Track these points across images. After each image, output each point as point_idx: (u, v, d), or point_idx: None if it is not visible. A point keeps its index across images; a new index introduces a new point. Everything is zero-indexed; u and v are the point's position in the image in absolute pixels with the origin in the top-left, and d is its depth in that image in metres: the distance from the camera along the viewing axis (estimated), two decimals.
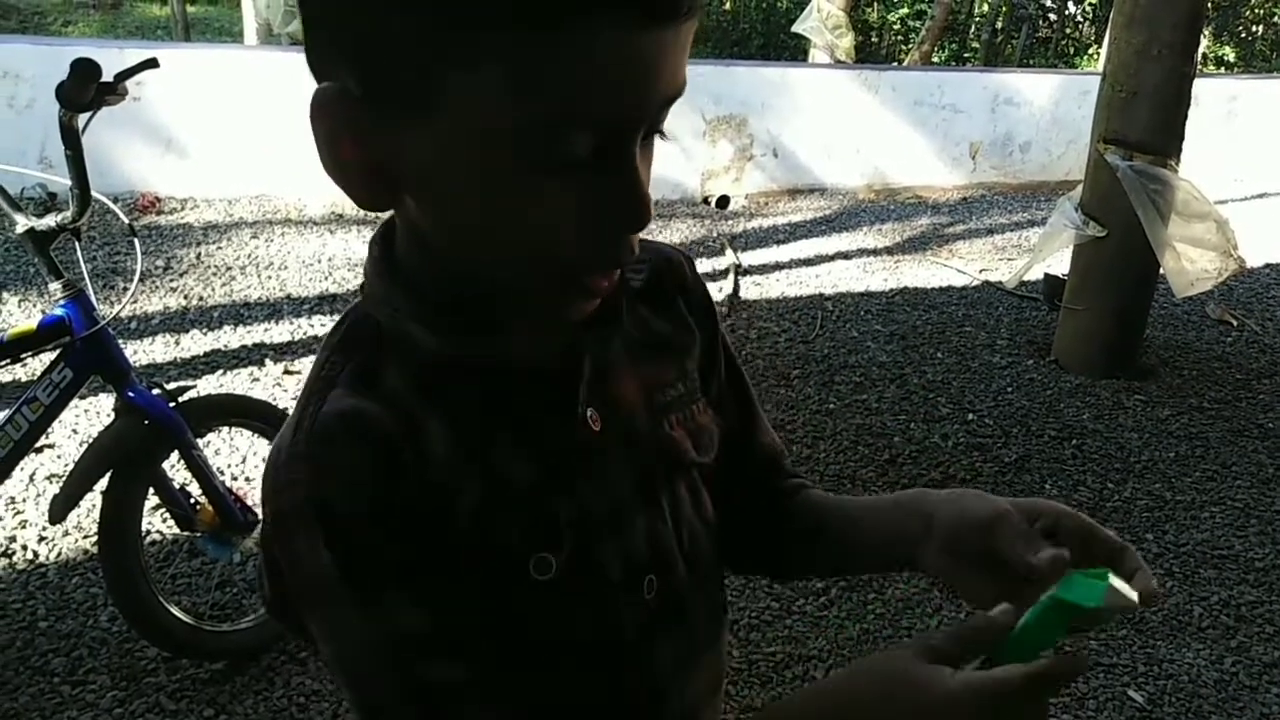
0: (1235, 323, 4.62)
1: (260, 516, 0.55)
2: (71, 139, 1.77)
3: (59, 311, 1.88)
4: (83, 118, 1.78)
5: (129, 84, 1.83)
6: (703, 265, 4.92)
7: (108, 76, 1.76)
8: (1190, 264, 3.74)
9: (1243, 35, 14.15)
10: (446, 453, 0.56)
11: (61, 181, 1.83)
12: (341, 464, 0.53)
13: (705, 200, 6.21)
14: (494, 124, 0.48)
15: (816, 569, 0.84)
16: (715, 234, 5.51)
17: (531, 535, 0.59)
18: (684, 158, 6.11)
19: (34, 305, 3.73)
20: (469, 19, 0.45)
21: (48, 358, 1.94)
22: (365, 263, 0.62)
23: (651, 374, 0.68)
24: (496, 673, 0.56)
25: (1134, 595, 0.51)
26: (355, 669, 0.56)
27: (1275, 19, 14.34)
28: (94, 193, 1.84)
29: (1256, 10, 14.09)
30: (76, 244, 1.91)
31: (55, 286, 1.89)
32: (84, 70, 1.66)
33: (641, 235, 0.72)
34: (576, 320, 0.58)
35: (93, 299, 1.93)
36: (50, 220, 1.85)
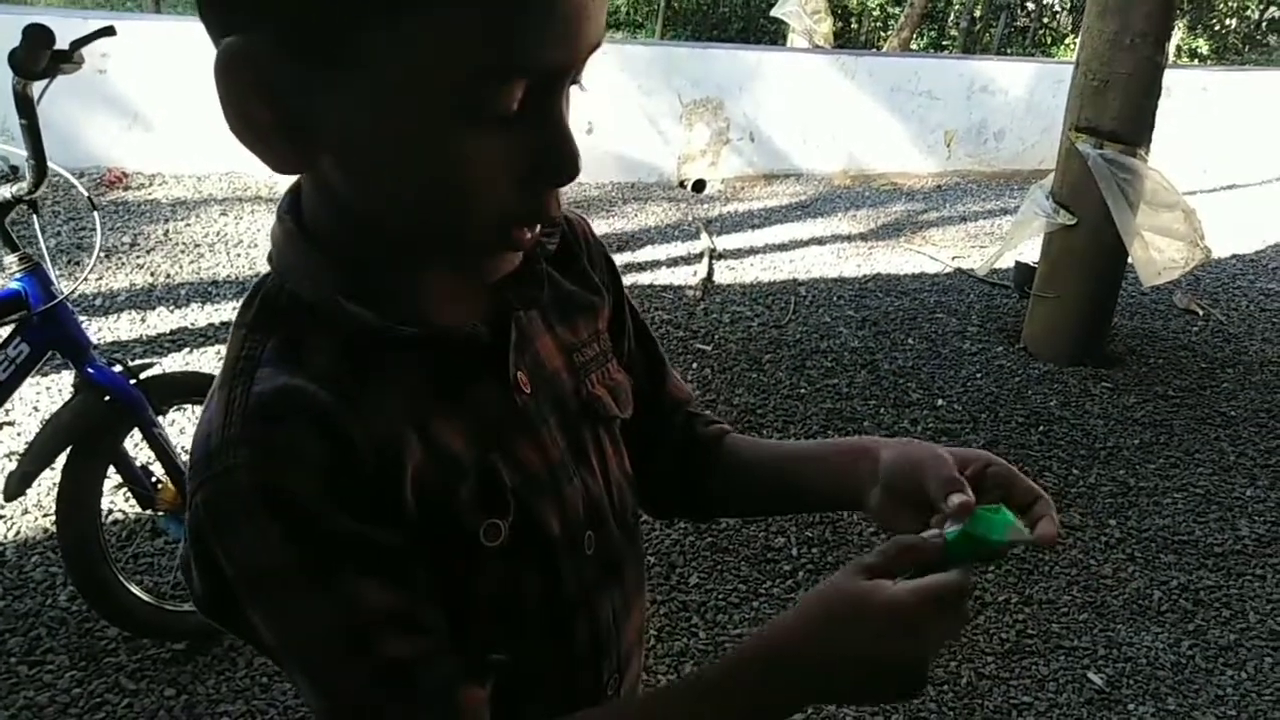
0: (1201, 312, 4.69)
1: None
2: (26, 108, 1.72)
3: (15, 285, 1.85)
4: (38, 86, 1.73)
5: (88, 53, 1.79)
6: (677, 249, 4.91)
7: (66, 44, 1.72)
8: (1158, 253, 3.78)
9: (1216, 28, 14.29)
10: (387, 426, 0.55)
11: (20, 153, 1.79)
12: (287, 444, 0.50)
13: (681, 184, 6.19)
14: (422, 79, 0.46)
15: (746, 507, 0.87)
16: (690, 217, 5.50)
17: (479, 503, 0.58)
18: (660, 140, 6.09)
19: None
20: None
21: (3, 332, 1.91)
22: (274, 234, 0.59)
23: (568, 335, 0.69)
24: (453, 640, 0.56)
25: (1028, 533, 0.60)
26: (315, 657, 0.54)
27: (1248, 12, 14.49)
28: (54, 165, 1.80)
29: (1229, 3, 14.23)
30: (34, 216, 1.87)
31: (11, 260, 1.85)
32: (36, 36, 1.62)
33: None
34: (496, 280, 0.58)
35: (51, 273, 1.89)
36: (5, 191, 1.81)
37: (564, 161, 0.51)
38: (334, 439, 0.51)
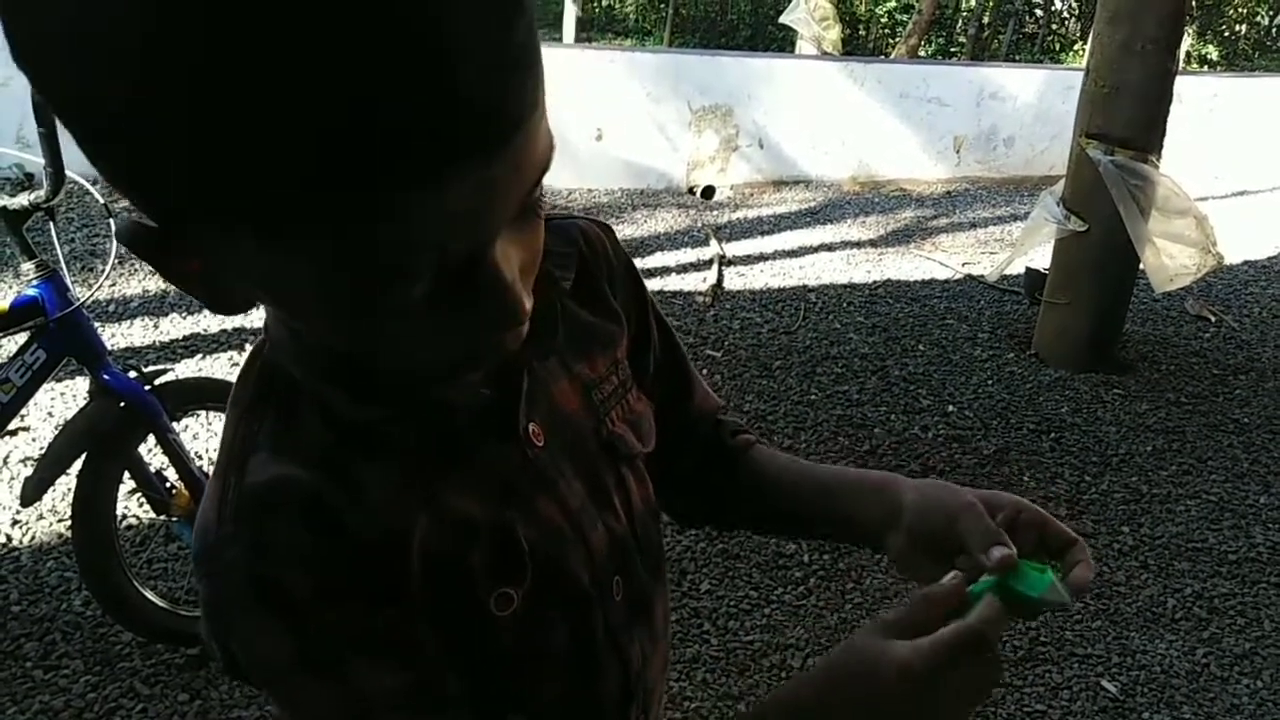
0: (1213, 318, 4.67)
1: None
2: (45, 116, 1.74)
3: (32, 292, 1.86)
4: None
5: None
6: (687, 255, 4.92)
7: None
8: (1170, 260, 3.77)
9: (1226, 34, 14.26)
10: (388, 502, 0.53)
11: (37, 161, 1.80)
12: (278, 541, 0.50)
13: (690, 190, 6.20)
14: (318, 278, 0.41)
15: (762, 526, 0.85)
16: (700, 224, 5.51)
17: (492, 569, 0.57)
18: (669, 147, 6.10)
19: (7, 286, 3.68)
20: (258, 187, 0.36)
21: (21, 339, 1.92)
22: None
23: (587, 372, 0.66)
24: (473, 702, 0.56)
25: (1068, 597, 0.57)
26: None
27: (1258, 18, 14.45)
28: (70, 172, 1.82)
29: (1240, 9, 14.20)
30: (51, 224, 1.88)
31: (28, 267, 1.86)
32: None
33: (557, 213, 0.68)
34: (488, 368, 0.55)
35: (67, 280, 1.90)
36: (23, 199, 1.83)
37: (501, 317, 0.46)
38: (326, 528, 0.51)
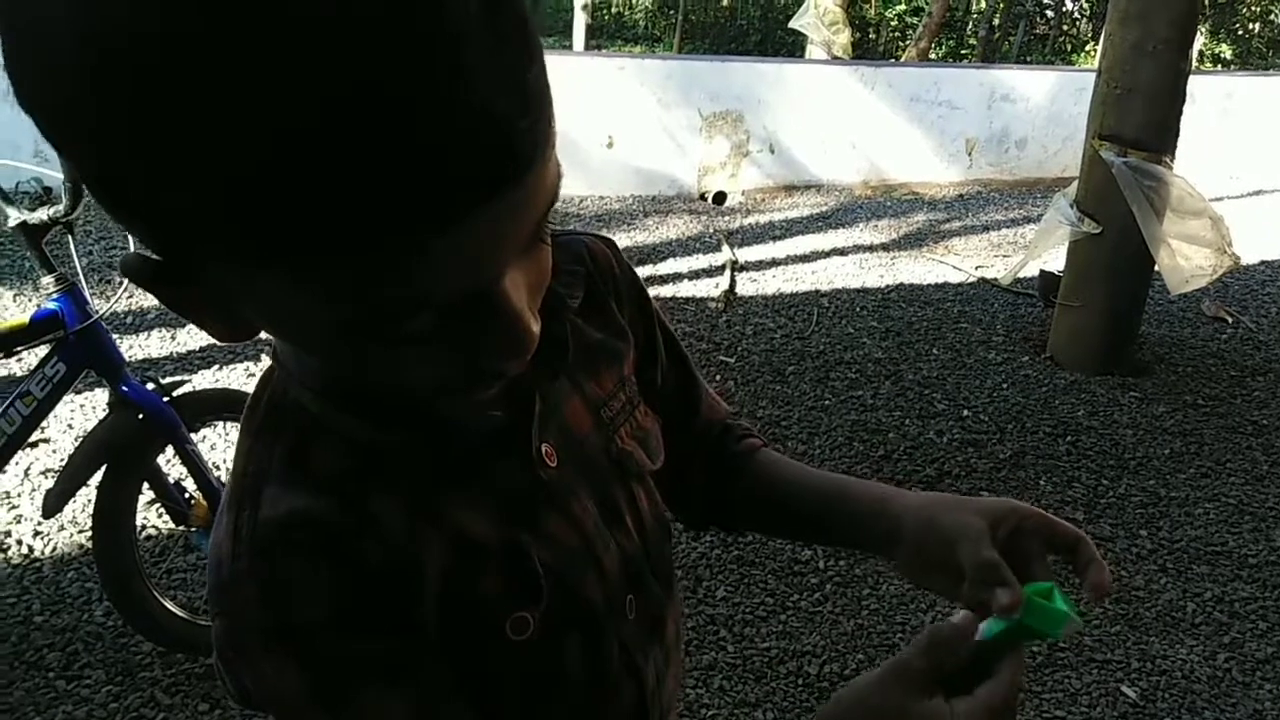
0: (1230, 320, 4.63)
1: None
2: None
3: (51, 305, 1.88)
4: None
5: None
6: (699, 261, 4.92)
7: None
8: (1185, 261, 3.75)
9: (1240, 33, 14.17)
10: (402, 529, 0.54)
11: (56, 176, 1.83)
12: (291, 579, 0.50)
13: (701, 196, 6.20)
14: (330, 312, 0.42)
15: (767, 530, 0.85)
16: (711, 230, 5.51)
17: (509, 594, 0.57)
18: (680, 153, 6.11)
19: (28, 299, 3.72)
20: (271, 243, 0.37)
21: (42, 352, 1.94)
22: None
23: (596, 390, 0.66)
24: None
25: (1080, 621, 0.57)
26: None
27: (1272, 17, 14.36)
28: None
29: (1253, 8, 14.11)
30: (70, 238, 1.90)
31: (48, 280, 1.88)
32: None
33: (561, 229, 0.68)
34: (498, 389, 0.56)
35: (86, 293, 1.92)
36: (43, 213, 1.85)
37: (509, 348, 0.46)
38: (339, 560, 0.51)
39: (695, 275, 4.73)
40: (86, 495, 2.10)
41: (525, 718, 0.60)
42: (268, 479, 0.52)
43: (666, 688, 0.71)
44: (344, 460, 0.53)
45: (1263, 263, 5.56)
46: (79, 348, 1.91)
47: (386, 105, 0.35)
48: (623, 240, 5.05)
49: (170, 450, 2.05)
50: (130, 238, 2.04)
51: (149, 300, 3.85)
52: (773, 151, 6.41)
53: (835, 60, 7.60)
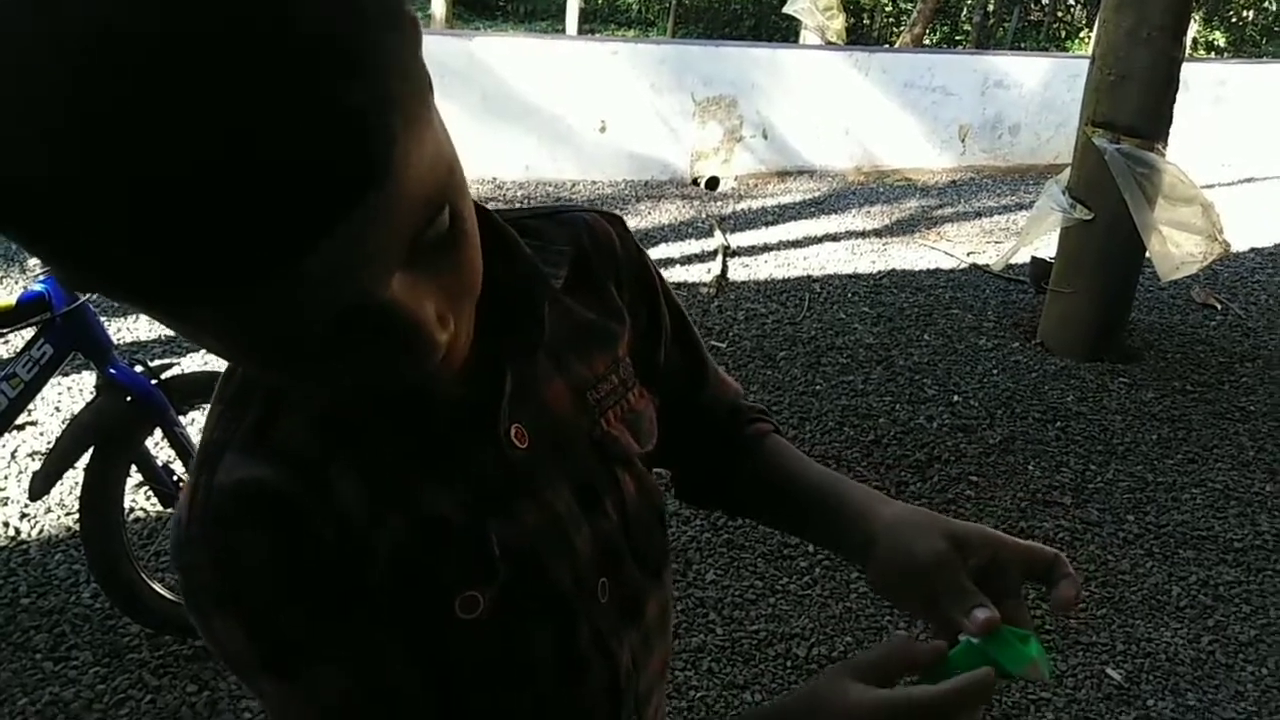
0: (1219, 306, 4.65)
1: None
2: None
3: (38, 287, 1.87)
4: None
5: None
6: (691, 246, 4.92)
7: None
8: (1176, 248, 3.76)
9: (1233, 20, 14.17)
10: (360, 503, 0.54)
11: None
12: (240, 548, 0.51)
13: (694, 181, 6.19)
14: (216, 341, 0.43)
15: (758, 518, 0.85)
16: (704, 215, 5.50)
17: (461, 572, 0.57)
18: (673, 138, 6.09)
19: (15, 281, 3.70)
20: (128, 290, 0.37)
21: (28, 334, 1.93)
22: None
23: (584, 370, 0.65)
24: (441, 709, 0.57)
25: (1048, 675, 0.58)
26: None
27: (1266, 4, 14.36)
28: None
29: None
30: None
31: (34, 262, 1.87)
32: None
33: (565, 205, 0.68)
34: (484, 335, 0.55)
35: None
36: None
37: (410, 350, 0.45)
38: (289, 532, 0.51)
39: (687, 260, 4.72)
40: (74, 478, 2.09)
41: (491, 701, 0.60)
42: (230, 446, 0.53)
43: (648, 671, 0.70)
44: (309, 434, 0.54)
45: (1253, 250, 5.58)
46: (66, 330, 1.90)
47: (190, 154, 0.33)
48: None
49: (158, 433, 2.04)
50: None
51: None
52: (766, 137, 6.40)
53: (829, 45, 7.57)
